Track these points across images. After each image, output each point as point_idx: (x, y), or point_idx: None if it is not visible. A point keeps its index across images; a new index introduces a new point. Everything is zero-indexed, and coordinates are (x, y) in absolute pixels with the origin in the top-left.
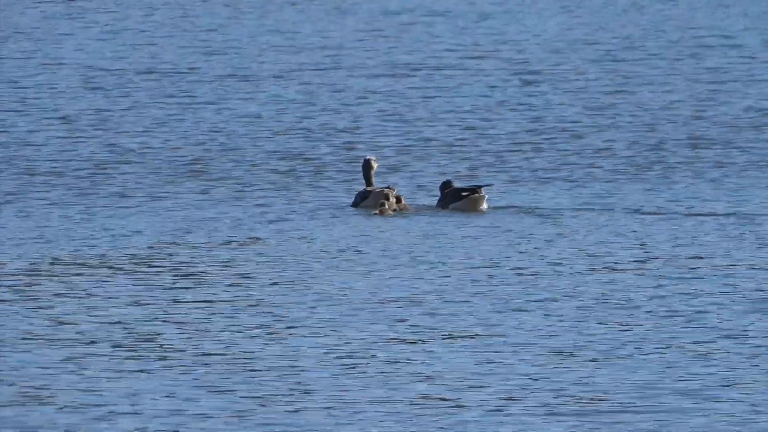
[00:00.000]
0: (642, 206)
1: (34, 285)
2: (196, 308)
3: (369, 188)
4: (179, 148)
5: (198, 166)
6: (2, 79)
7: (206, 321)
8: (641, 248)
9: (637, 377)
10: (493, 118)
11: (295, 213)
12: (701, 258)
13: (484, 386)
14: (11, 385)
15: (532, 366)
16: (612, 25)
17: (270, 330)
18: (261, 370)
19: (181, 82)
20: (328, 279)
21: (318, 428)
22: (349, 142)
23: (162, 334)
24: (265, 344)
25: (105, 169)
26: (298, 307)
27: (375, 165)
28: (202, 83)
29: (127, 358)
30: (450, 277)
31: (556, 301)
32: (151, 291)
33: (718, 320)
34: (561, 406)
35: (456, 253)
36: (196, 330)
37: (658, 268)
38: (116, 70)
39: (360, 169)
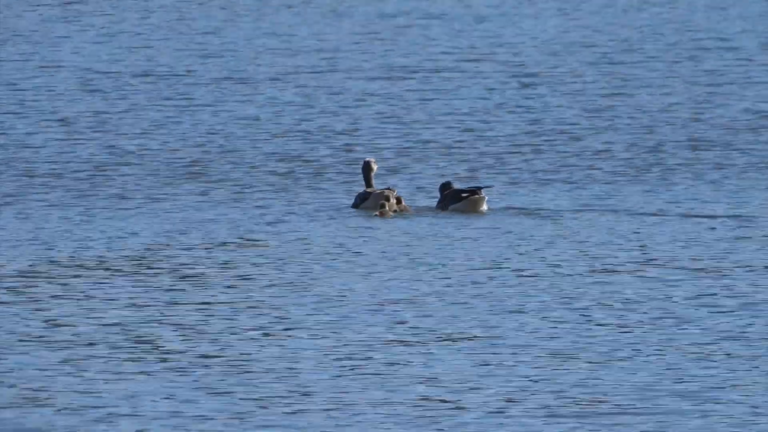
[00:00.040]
0: (641, 208)
1: (33, 286)
2: (195, 310)
3: (369, 190)
4: (177, 150)
5: (196, 168)
6: (0, 81)
7: (205, 322)
8: (640, 250)
9: (636, 379)
10: (491, 120)
11: (294, 215)
12: (701, 260)
13: (483, 388)
14: (10, 386)
15: (532, 368)
16: (610, 27)
17: (269, 332)
18: (260, 372)
19: (179, 85)
20: (327, 280)
21: (317, 430)
22: (347, 144)
23: (161, 335)
24: (265, 346)
25: (103, 171)
26: (298, 308)
27: (375, 167)
28: (200, 86)
29: (125, 359)
30: (450, 278)
31: (555, 302)
32: (150, 292)
33: (718, 322)
34: (561, 408)
35: (456, 254)
36: (195, 332)
37: (657, 270)
38: (114, 72)
39: (359, 170)
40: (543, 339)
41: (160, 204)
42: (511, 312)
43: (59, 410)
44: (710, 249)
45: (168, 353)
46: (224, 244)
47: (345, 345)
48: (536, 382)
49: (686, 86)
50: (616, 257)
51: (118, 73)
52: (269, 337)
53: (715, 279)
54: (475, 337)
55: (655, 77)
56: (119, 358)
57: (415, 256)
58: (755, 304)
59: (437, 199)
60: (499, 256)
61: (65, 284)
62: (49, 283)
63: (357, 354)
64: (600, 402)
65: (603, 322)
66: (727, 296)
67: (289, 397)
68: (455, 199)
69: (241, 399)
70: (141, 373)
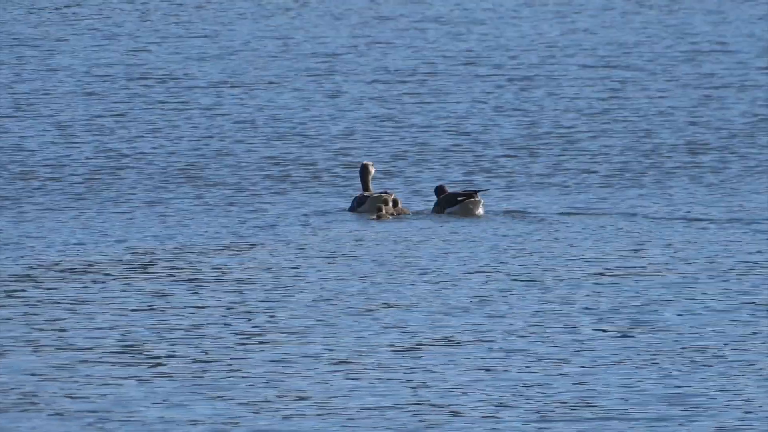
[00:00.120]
0: (637, 211)
1: (28, 291)
2: (190, 314)
3: (366, 193)
4: (174, 153)
5: (193, 171)
6: None
7: (199, 327)
8: (636, 254)
9: (629, 384)
10: (488, 124)
11: (290, 218)
12: (697, 263)
13: (476, 393)
14: (3, 392)
15: (525, 372)
16: (607, 31)
17: (264, 336)
18: (254, 377)
19: (176, 88)
20: (323, 284)
21: None
22: (344, 148)
23: (155, 340)
24: (259, 350)
25: (100, 174)
26: (293, 312)
27: (372, 170)
28: (197, 89)
29: (120, 364)
30: (445, 282)
31: (550, 306)
32: (145, 297)
33: (714, 326)
34: (554, 413)
35: (452, 258)
36: (188, 336)
37: (653, 274)
38: (111, 76)
39: (356, 174)
40: (537, 343)
41: (155, 207)
42: (505, 316)
43: (53, 415)
44: (706, 252)
45: (162, 358)
46: (220, 247)
47: (339, 349)
48: (529, 386)
49: (683, 90)
50: (611, 261)
51: (115, 76)
52: (263, 342)
53: (711, 283)
54: (470, 341)
55: (652, 81)
56: (113, 362)
57: (411, 259)
58: (751, 308)
59: (433, 203)
60: (494, 259)
61: (59, 288)
62: (44, 287)
63: (351, 358)
64: (593, 407)
65: (598, 326)
66: (723, 300)
67: (283, 401)
68: (451, 203)
69: (234, 404)
70: (135, 377)
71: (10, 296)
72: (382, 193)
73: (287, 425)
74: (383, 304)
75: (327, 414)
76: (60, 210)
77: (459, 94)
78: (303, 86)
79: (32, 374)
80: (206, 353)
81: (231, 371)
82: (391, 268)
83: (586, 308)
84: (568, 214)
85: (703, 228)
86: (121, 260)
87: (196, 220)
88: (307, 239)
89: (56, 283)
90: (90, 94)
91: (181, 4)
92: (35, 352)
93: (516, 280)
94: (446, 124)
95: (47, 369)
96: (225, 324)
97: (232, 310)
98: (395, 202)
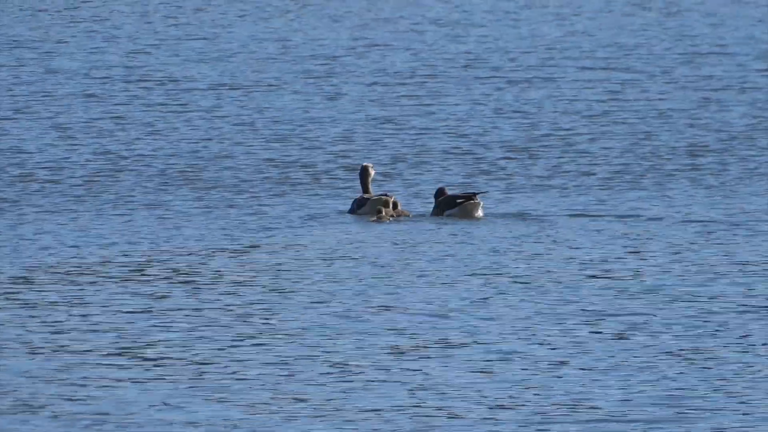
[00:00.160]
0: (637, 213)
1: (26, 292)
2: (189, 316)
3: (366, 195)
4: (173, 155)
5: (192, 173)
6: None
7: (198, 329)
8: (636, 256)
9: (628, 386)
10: (487, 126)
11: (290, 220)
12: (696, 265)
13: (475, 395)
14: (4, 393)
15: (524, 374)
16: (606, 33)
17: (262, 338)
18: (252, 379)
19: (175, 90)
20: (323, 287)
21: None
22: (343, 150)
23: (153, 342)
24: (257, 352)
25: (99, 176)
26: (292, 314)
27: (372, 172)
28: (196, 91)
29: (118, 366)
30: (444, 284)
31: (549, 309)
32: (144, 299)
33: (713, 329)
34: (552, 415)
35: (451, 260)
36: (188, 338)
37: (652, 276)
38: (110, 78)
39: (356, 176)
40: (535, 345)
41: (154, 210)
42: (504, 318)
43: (49, 417)
44: (706, 255)
45: (162, 359)
46: (219, 249)
47: (337, 351)
48: (527, 389)
49: (682, 92)
50: (610, 263)
51: (114, 79)
52: (263, 343)
53: (710, 285)
54: (468, 343)
55: (651, 83)
56: (113, 364)
57: (411, 262)
58: (750, 311)
59: (432, 206)
60: (493, 261)
61: (59, 290)
62: (44, 289)
63: (348, 360)
64: (590, 409)
65: (597, 329)
66: (722, 302)
67: (280, 404)
68: (450, 205)
69: (234, 405)
70: (132, 379)
71: (8, 298)
72: (382, 195)
73: (285, 427)
74: (382, 306)
75: (325, 416)
76: (59, 212)
77: (458, 96)
78: (302, 88)
79: (30, 376)
80: (205, 355)
81: (229, 373)
82: (390, 270)
83: (585, 310)
84: (568, 216)
85: (703, 230)
86: (120, 262)
87: (195, 223)
88: (306, 241)
89: (55, 285)
90: (89, 96)
91: (180, 7)
92: (34, 354)
93: (515, 282)
94: (445, 126)
95: (46, 371)
96: (223, 326)
97: (231, 312)
98: (394, 205)
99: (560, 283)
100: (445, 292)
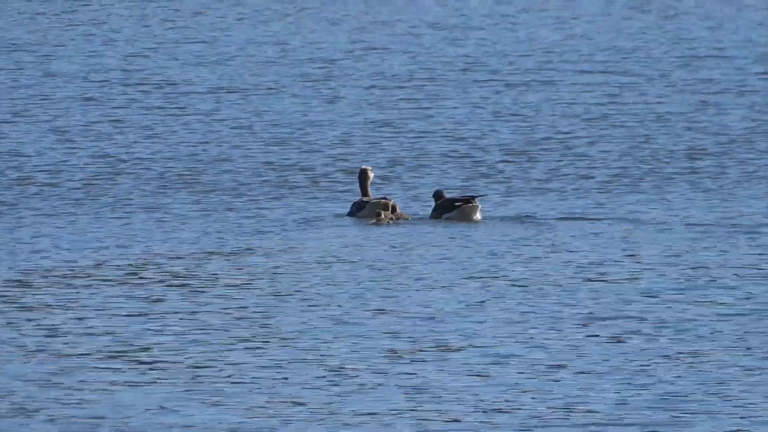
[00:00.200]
0: (635, 217)
1: (25, 296)
2: (187, 319)
3: (365, 198)
4: (171, 158)
5: (190, 177)
6: None
7: (196, 332)
8: (634, 259)
9: (625, 389)
10: (486, 129)
11: (288, 224)
12: (694, 268)
13: (472, 398)
14: (0, 397)
15: (521, 378)
16: (604, 36)
17: (260, 341)
18: (249, 382)
19: (173, 94)
20: (321, 290)
21: None
22: (342, 153)
23: (151, 345)
24: (255, 355)
25: (97, 180)
26: (290, 318)
27: (371, 175)
28: (194, 95)
29: (116, 369)
30: (443, 287)
31: (547, 312)
32: (142, 302)
33: (711, 332)
34: (549, 419)
35: (449, 263)
36: (186, 341)
37: (650, 279)
38: (108, 81)
39: (354, 179)
40: (533, 349)
41: (153, 213)
42: (501, 322)
43: (46, 421)
44: (704, 258)
45: (159, 363)
46: (217, 253)
47: (334, 355)
48: (525, 392)
49: (681, 95)
50: (609, 266)
51: (112, 82)
52: (261, 347)
53: (708, 288)
54: (466, 347)
55: (649, 86)
56: (108, 368)
57: (409, 265)
58: (748, 314)
59: (431, 208)
60: (492, 265)
61: (57, 293)
62: (41, 292)
63: (346, 364)
64: (588, 412)
65: (595, 332)
66: (721, 305)
67: (277, 407)
68: (449, 208)
69: (232, 409)
70: (129, 383)
71: (5, 301)
72: (381, 198)
73: (282, 431)
74: (380, 309)
75: (321, 419)
76: (57, 215)
77: (457, 99)
78: (301, 92)
79: (26, 380)
80: (201, 358)
81: (226, 377)
82: (389, 273)
83: (583, 314)
84: (566, 219)
85: (701, 233)
86: (118, 266)
87: (193, 226)
88: (305, 244)
89: (52, 288)
90: (87, 99)
91: (178, 10)
92: (30, 357)
93: (513, 285)
94: (444, 129)
95: (42, 374)
96: (221, 329)
97: (229, 316)
98: (393, 208)
99: (558, 286)
100: (443, 295)
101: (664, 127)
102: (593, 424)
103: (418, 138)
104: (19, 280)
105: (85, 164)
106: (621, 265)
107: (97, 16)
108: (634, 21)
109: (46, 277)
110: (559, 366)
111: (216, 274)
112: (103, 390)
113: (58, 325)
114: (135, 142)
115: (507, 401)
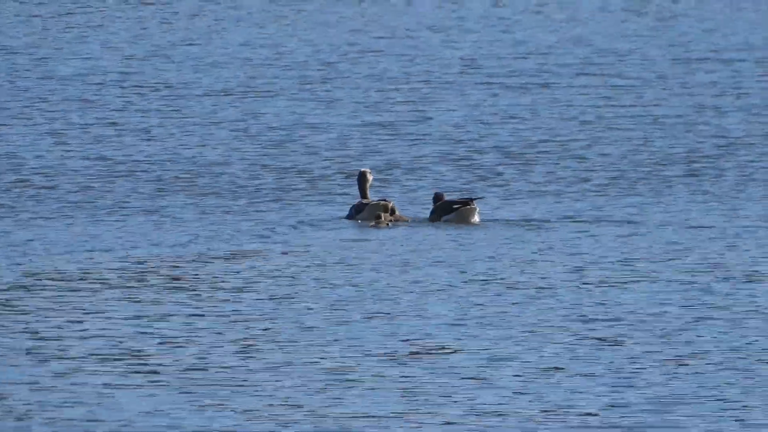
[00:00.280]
0: (633, 219)
1: (22, 299)
2: (185, 323)
3: (364, 201)
4: (169, 161)
5: (188, 179)
6: None
7: (195, 335)
8: (632, 262)
9: (623, 392)
10: (483, 132)
11: (287, 226)
12: (692, 271)
13: (470, 401)
14: None
15: (519, 381)
16: (602, 38)
17: (259, 344)
18: (248, 385)
19: (171, 96)
20: (320, 292)
21: None
22: (340, 156)
23: (149, 348)
24: (254, 358)
25: (95, 183)
26: (288, 320)
27: (370, 177)
28: (192, 97)
29: (115, 373)
30: (441, 290)
31: (544, 315)
32: (140, 305)
33: (709, 335)
34: (547, 422)
35: (447, 266)
36: (185, 345)
37: (649, 282)
38: (105, 84)
39: (352, 182)
40: (530, 351)
41: (150, 216)
42: (499, 324)
43: (44, 424)
44: (702, 260)
45: (157, 366)
46: (215, 256)
47: (333, 357)
48: (522, 395)
49: (679, 98)
50: (607, 269)
51: (109, 84)
52: (259, 350)
53: (706, 291)
54: (464, 349)
55: (647, 89)
56: (109, 371)
57: (407, 267)
58: (745, 318)
59: (430, 210)
60: (490, 267)
61: (55, 297)
62: (39, 295)
63: (345, 366)
64: (586, 415)
65: (592, 335)
66: (719, 308)
67: (276, 410)
68: (447, 211)
69: (230, 412)
70: (128, 386)
71: (3, 305)
72: (380, 200)
73: None
74: (378, 312)
75: (320, 422)
76: (55, 218)
77: (454, 102)
78: (298, 94)
79: (24, 383)
80: (199, 362)
81: (224, 380)
82: (387, 275)
83: (580, 316)
84: (564, 221)
85: (699, 236)
86: (116, 269)
87: (190, 229)
88: (303, 247)
89: (51, 292)
90: (84, 102)
91: (175, 12)
92: (29, 360)
93: (511, 288)
94: (441, 132)
95: (38, 378)
96: (218, 332)
97: (226, 319)
98: (392, 210)
99: (555, 289)
100: (440, 297)
101: (661, 129)
102: (590, 427)
103: (415, 141)
104: (16, 283)
105: (82, 167)
106: (618, 267)
107: (94, 19)
108: (631, 23)
109: (43, 279)
110: (556, 369)
111: (214, 277)
112: (100, 393)
113: (55, 327)
114: (132, 144)
115: (503, 404)
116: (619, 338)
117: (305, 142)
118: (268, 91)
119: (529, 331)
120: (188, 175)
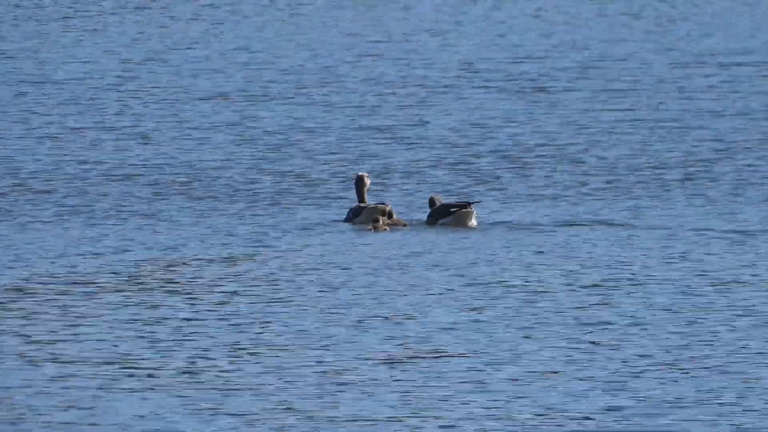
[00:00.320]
0: (631, 223)
1: (19, 303)
2: (182, 326)
3: (362, 204)
4: (167, 165)
5: (186, 183)
6: None
7: (192, 339)
8: (629, 265)
9: (621, 395)
10: (481, 135)
11: (285, 230)
12: (690, 275)
13: (468, 404)
14: None
15: (517, 384)
16: (600, 42)
17: (256, 348)
18: (246, 389)
19: (169, 100)
20: (317, 296)
21: None
22: (337, 160)
23: (147, 352)
24: (251, 362)
25: (92, 186)
26: (286, 324)
27: (368, 181)
28: (190, 101)
29: (111, 377)
30: (438, 293)
31: (542, 318)
32: (137, 309)
33: (707, 339)
34: (546, 426)
35: (444, 269)
36: (181, 348)
37: (646, 286)
38: (103, 87)
39: (350, 185)
40: (528, 355)
41: (148, 220)
42: (497, 328)
43: (42, 428)
44: (700, 264)
45: (153, 369)
46: (213, 259)
47: (330, 361)
48: (520, 398)
49: (677, 102)
50: (605, 273)
51: (107, 88)
52: (256, 353)
53: (704, 295)
54: (462, 353)
55: (645, 93)
56: (106, 375)
57: (404, 271)
58: (743, 321)
59: (427, 214)
60: (487, 271)
61: (51, 300)
62: (36, 298)
63: (342, 370)
64: (584, 419)
65: (588, 339)
66: (716, 312)
67: (273, 413)
68: (444, 214)
69: (227, 415)
70: (125, 389)
71: (1, 308)
72: (378, 204)
73: None
74: (376, 315)
75: (317, 426)
76: (52, 222)
77: (452, 105)
78: (295, 98)
79: (22, 386)
80: (197, 365)
81: (222, 383)
82: (385, 279)
83: (578, 320)
84: (561, 225)
85: (697, 240)
86: (113, 272)
87: (188, 232)
88: (301, 251)
89: (48, 296)
90: (82, 105)
91: (173, 16)
92: (26, 364)
93: (508, 291)
94: (439, 135)
95: (36, 381)
96: (216, 336)
97: (224, 322)
98: (390, 214)
99: (553, 292)
100: (438, 301)
101: (659, 133)
102: (587, 431)
103: (413, 144)
104: (13, 287)
105: (79, 171)
106: (615, 271)
107: (92, 23)
108: (629, 27)
109: (41, 283)
110: (552, 372)
111: (212, 281)
112: (95, 396)
113: (53, 331)
114: (129, 148)
115: (500, 408)
116: (615, 342)
117: (302, 145)
118: (266, 95)
119: (527, 335)
120: (185, 179)
